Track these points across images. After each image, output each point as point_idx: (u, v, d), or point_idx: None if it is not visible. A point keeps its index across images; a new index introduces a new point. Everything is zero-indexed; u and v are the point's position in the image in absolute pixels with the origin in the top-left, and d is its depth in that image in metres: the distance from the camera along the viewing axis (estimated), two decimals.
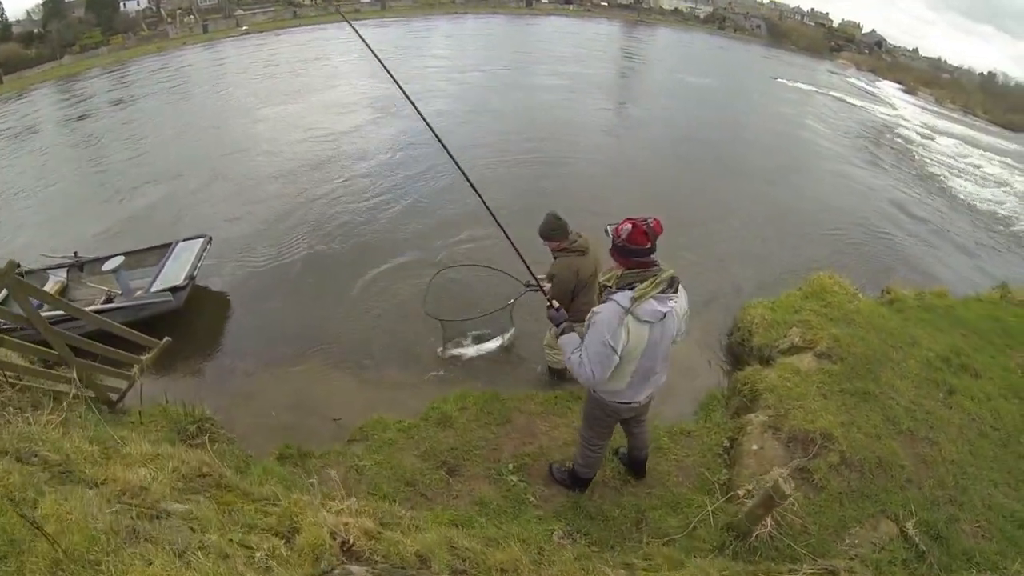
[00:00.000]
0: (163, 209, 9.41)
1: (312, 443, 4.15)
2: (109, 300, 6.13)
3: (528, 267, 3.34)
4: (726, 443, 4.40)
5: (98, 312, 5.51)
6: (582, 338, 2.70)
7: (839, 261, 8.48)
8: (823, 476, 3.78)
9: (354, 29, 3.83)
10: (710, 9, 65.76)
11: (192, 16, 45.65)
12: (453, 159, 3.35)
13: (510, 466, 3.85)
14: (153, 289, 5.94)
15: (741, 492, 3.66)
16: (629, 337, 2.53)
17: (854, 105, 27.51)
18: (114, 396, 4.29)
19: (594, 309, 2.59)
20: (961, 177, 17.14)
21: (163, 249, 6.70)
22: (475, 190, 3.31)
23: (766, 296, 6.72)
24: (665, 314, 2.54)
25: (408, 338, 5.80)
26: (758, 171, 12.93)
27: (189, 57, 29.12)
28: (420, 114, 3.34)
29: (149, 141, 13.88)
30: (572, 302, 4.05)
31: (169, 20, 44.33)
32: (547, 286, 3.98)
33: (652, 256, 2.54)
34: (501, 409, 4.47)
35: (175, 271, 6.23)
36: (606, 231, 2.61)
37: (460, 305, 5.89)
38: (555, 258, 4.12)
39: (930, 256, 10.01)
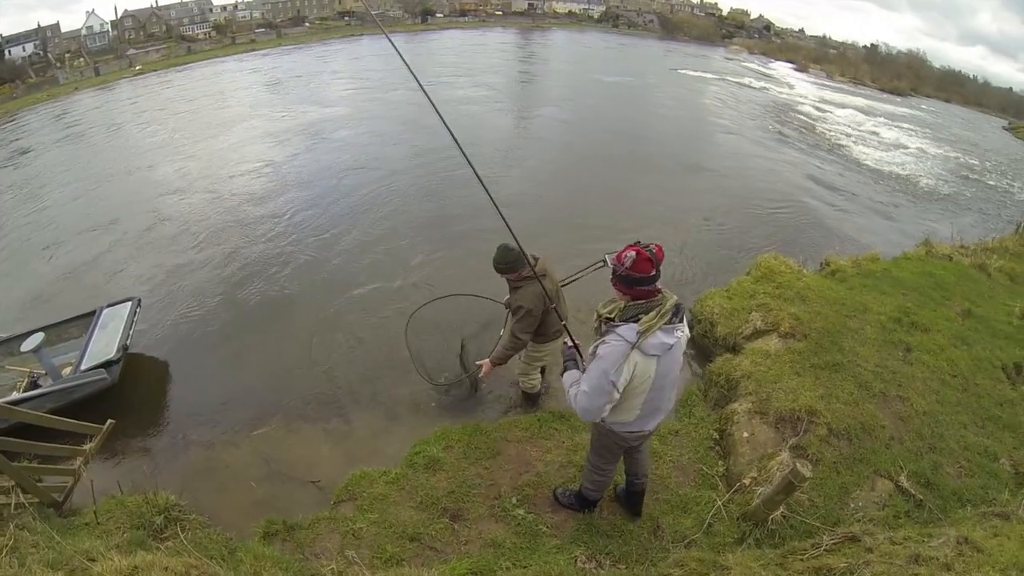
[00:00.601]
0: (100, 263, 8.46)
1: (295, 512, 3.79)
2: (34, 384, 5.46)
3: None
4: (715, 435, 4.44)
5: (22, 400, 4.95)
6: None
7: (774, 241, 8.90)
8: (816, 450, 3.89)
9: (392, 43, 3.58)
10: (603, 8, 68.42)
11: (82, 59, 42.69)
12: (484, 186, 3.20)
13: (513, 500, 3.68)
14: (83, 367, 5.29)
15: (747, 481, 3.68)
16: (635, 372, 2.43)
17: (754, 88, 29.41)
18: (59, 496, 3.80)
19: (600, 341, 2.48)
20: (863, 144, 18.62)
21: (87, 318, 6.01)
22: (504, 218, 3.20)
23: (712, 285, 6.90)
24: (672, 345, 2.45)
25: (370, 380, 5.49)
26: (676, 164, 13.38)
27: (89, 101, 26.93)
28: (449, 129, 3.09)
29: (71, 189, 12.54)
30: (542, 325, 4.01)
31: (58, 65, 41.25)
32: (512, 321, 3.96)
33: (656, 284, 2.44)
34: (487, 441, 4.29)
35: (104, 343, 5.60)
36: (604, 260, 2.49)
37: (442, 339, 5.60)
38: (514, 288, 4.00)
39: (853, 224, 10.71)
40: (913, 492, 3.67)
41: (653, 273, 2.38)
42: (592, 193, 10.81)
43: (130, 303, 6.03)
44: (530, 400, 4.93)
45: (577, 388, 2.55)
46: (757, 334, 5.48)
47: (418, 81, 3.34)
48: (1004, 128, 35.41)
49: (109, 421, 4.27)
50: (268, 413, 5.19)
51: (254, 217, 9.62)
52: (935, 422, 4.32)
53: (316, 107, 18.67)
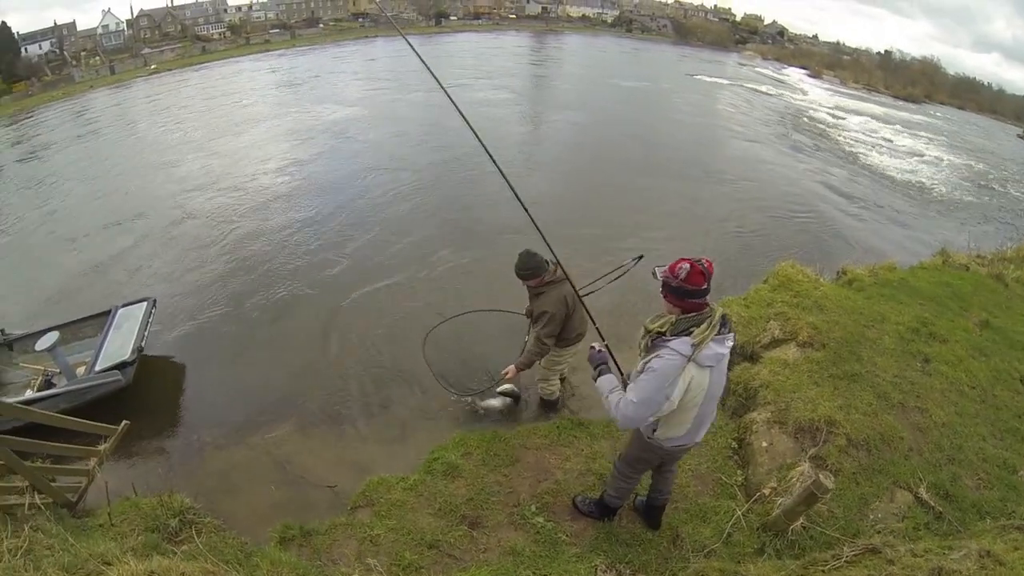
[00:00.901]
0: (124, 259, 8.52)
1: (311, 517, 3.78)
2: (48, 383, 5.52)
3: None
4: (734, 445, 4.40)
5: (36, 400, 4.98)
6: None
7: (791, 248, 8.80)
8: (836, 460, 3.84)
9: (412, 48, 3.60)
10: (617, 13, 68.36)
11: (98, 58, 43.30)
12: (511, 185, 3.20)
13: (532, 507, 3.66)
14: (98, 367, 5.32)
15: (767, 491, 3.65)
16: (691, 385, 2.42)
17: (769, 94, 29.33)
18: (73, 497, 3.81)
19: (653, 356, 2.44)
20: (877, 152, 18.49)
21: (102, 318, 6.07)
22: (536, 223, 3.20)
23: (731, 291, 6.85)
24: (724, 355, 2.46)
25: (386, 384, 5.50)
26: (694, 168, 13.36)
27: (106, 99, 27.33)
28: (476, 133, 3.08)
29: (97, 184, 12.69)
30: (563, 330, 4.05)
31: (74, 63, 41.86)
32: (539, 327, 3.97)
33: (706, 298, 2.43)
34: (506, 448, 4.28)
35: (119, 343, 5.63)
36: (654, 274, 2.49)
37: (462, 348, 5.63)
38: (536, 294, 4.02)
39: (868, 231, 10.64)
40: (932, 504, 3.61)
41: (705, 287, 2.38)
42: (610, 195, 10.89)
43: (145, 303, 6.06)
44: (549, 407, 4.91)
45: (620, 396, 2.51)
46: (775, 343, 5.41)
47: (442, 87, 3.34)
48: (1019, 136, 35.12)
49: (124, 422, 4.27)
50: (283, 416, 5.19)
51: (277, 216, 9.69)
52: (954, 433, 4.25)
53: (336, 107, 18.85)
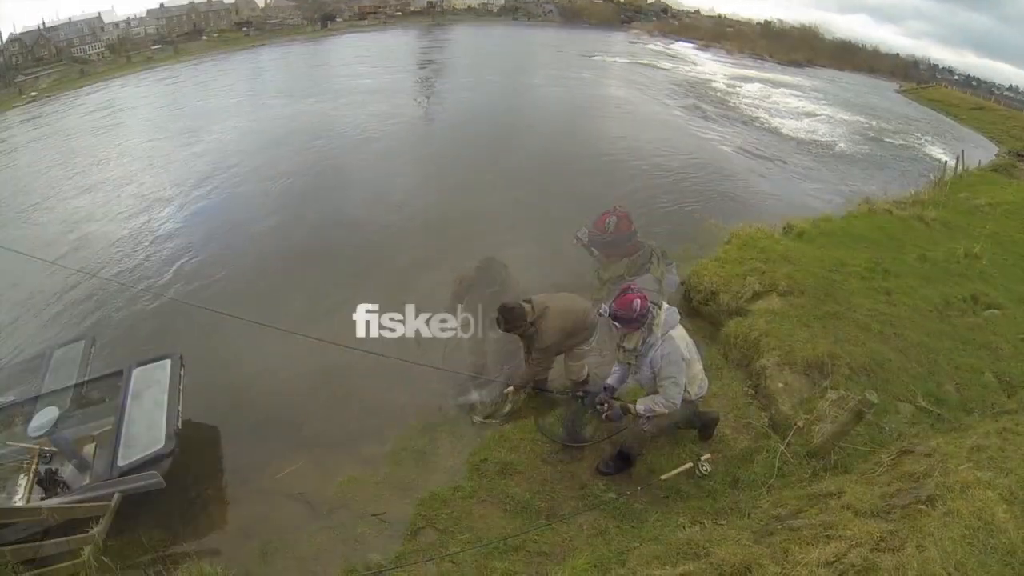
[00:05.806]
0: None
1: (369, 552, 3.42)
2: (51, 480, 3.91)
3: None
4: (751, 391, 4.73)
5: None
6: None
7: (712, 211, 9.14)
8: (845, 387, 4.20)
9: None
10: (503, 1, 68.87)
11: None
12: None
13: (600, 485, 3.75)
14: (121, 461, 3.82)
15: (800, 423, 3.95)
16: (687, 337, 2.94)
17: (664, 69, 30.55)
18: None
19: (662, 343, 2.81)
20: (777, 115, 20.07)
21: (113, 379, 4.60)
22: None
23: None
24: (677, 281, 2.81)
25: (384, 394, 5.04)
26: (607, 144, 13.68)
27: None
28: None
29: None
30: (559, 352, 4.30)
31: None
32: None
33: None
34: None
35: (145, 424, 4.10)
36: (577, 238, 2.73)
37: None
38: (528, 335, 4.12)
39: (791, 188, 11.62)
40: (931, 409, 4.18)
41: (633, 228, 2.67)
42: (525, 171, 11.04)
43: (170, 361, 4.64)
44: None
45: (660, 397, 2.94)
46: (757, 296, 5.83)
47: None
48: (896, 91, 39.13)
49: (115, 495, 3.58)
50: (286, 450, 4.51)
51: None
52: (928, 350, 4.89)
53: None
